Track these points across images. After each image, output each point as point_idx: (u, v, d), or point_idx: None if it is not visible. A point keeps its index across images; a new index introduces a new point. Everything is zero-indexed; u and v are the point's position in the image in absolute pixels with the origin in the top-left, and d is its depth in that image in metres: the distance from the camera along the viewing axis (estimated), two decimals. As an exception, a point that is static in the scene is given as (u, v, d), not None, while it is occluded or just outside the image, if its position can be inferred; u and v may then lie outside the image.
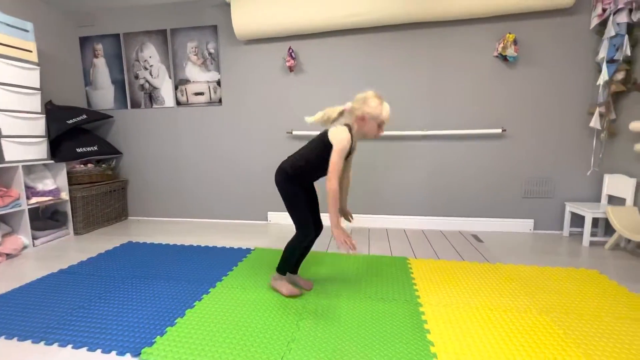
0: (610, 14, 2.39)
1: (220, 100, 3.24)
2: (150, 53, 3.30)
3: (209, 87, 3.24)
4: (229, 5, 2.98)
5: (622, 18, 2.34)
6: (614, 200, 2.55)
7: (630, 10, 2.32)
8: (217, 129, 3.29)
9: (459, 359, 1.24)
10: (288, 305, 1.66)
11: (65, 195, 2.90)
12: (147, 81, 3.35)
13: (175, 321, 1.52)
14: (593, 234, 2.59)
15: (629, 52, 2.35)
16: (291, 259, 1.75)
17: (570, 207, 2.67)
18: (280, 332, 1.43)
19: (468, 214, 2.93)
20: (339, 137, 1.53)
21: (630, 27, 2.37)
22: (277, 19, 2.82)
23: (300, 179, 1.71)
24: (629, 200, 2.37)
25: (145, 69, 3.33)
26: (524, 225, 2.84)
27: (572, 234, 2.72)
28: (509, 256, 2.30)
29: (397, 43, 2.85)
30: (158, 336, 1.41)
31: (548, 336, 1.37)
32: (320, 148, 1.61)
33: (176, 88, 3.31)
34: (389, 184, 3.02)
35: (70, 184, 2.97)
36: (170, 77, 3.30)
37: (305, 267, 2.14)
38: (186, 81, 3.28)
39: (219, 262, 2.26)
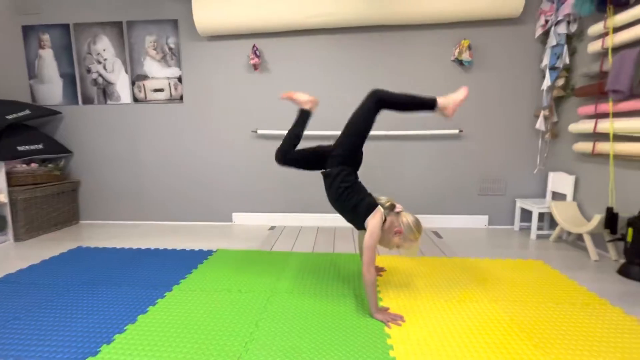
0: (552, 25, 2.60)
1: (181, 98, 3.12)
2: (104, 46, 3.10)
3: (170, 84, 3.11)
4: (190, -1, 2.89)
5: (562, 29, 2.55)
6: (557, 196, 2.77)
7: (569, 22, 2.54)
8: (178, 127, 3.16)
9: (414, 348, 1.28)
10: (249, 306, 1.62)
11: (3, 198, 2.64)
12: (100, 75, 3.15)
13: (125, 328, 1.43)
14: (540, 228, 2.79)
15: (567, 61, 2.56)
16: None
17: (520, 203, 2.86)
18: (239, 332, 1.39)
19: (429, 212, 3.04)
20: (374, 230, 1.50)
21: (569, 38, 2.60)
22: (240, 15, 2.77)
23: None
24: (569, 196, 2.58)
25: (99, 62, 3.13)
26: (480, 221, 3.00)
27: (522, 228, 2.92)
28: (466, 250, 2.42)
29: (361, 45, 2.90)
30: (104, 344, 1.31)
31: (496, 323, 1.46)
32: (353, 203, 1.64)
33: (133, 84, 3.14)
34: (354, 183, 3.06)
35: (10, 185, 2.71)
36: (126, 72, 3.13)
37: (271, 266, 2.11)
38: (144, 77, 3.12)
39: (177, 265, 2.17)
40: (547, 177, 2.83)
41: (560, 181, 2.69)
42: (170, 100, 3.14)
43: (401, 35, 2.86)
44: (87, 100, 3.20)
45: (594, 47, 2.28)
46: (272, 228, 3.04)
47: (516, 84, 2.84)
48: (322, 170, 1.75)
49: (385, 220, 1.56)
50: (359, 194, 1.64)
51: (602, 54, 2.23)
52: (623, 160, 2.15)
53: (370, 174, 3.03)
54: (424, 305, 1.62)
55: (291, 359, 1.23)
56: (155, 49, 3.08)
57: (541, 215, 2.80)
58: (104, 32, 3.08)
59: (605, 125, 2.16)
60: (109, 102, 3.18)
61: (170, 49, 3.07)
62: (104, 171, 3.27)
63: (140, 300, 1.68)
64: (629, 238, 1.91)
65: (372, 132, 2.93)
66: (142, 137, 3.20)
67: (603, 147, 2.21)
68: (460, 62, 2.82)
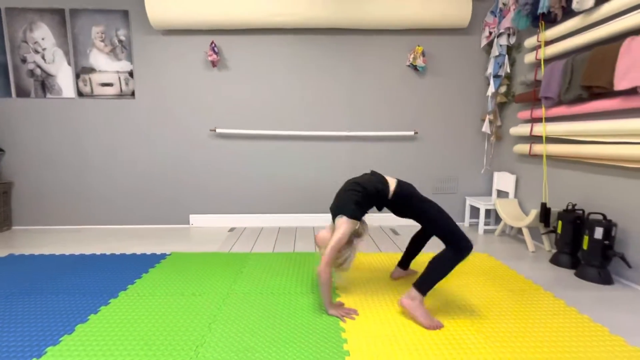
0: (495, 37, 2.83)
1: (133, 93, 2.94)
2: (43, 34, 2.84)
3: (119, 78, 2.92)
4: (142, -11, 2.74)
5: (503, 41, 2.78)
6: (501, 194, 3.00)
7: (509, 35, 2.78)
8: (130, 125, 2.97)
9: (367, 340, 1.31)
10: (203, 309, 1.56)
11: None
12: (38, 66, 2.87)
13: (60, 339, 1.30)
14: (487, 224, 3.00)
15: (508, 69, 2.80)
16: (442, 278, 1.47)
17: (469, 201, 3.06)
18: (190, 337, 1.34)
19: (386, 210, 3.14)
20: (341, 229, 1.50)
21: (510, 49, 2.84)
22: (198, 10, 2.68)
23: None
24: (511, 194, 2.81)
25: (37, 52, 2.86)
26: (434, 218, 3.16)
27: (472, 224, 3.12)
28: (420, 246, 2.53)
29: (322, 46, 2.94)
30: (34, 359, 1.19)
31: (445, 312, 1.54)
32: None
33: (78, 77, 2.90)
34: (313, 183, 3.09)
35: None
36: (69, 64, 2.88)
37: (229, 267, 2.05)
38: (91, 70, 2.90)
39: (125, 270, 2.03)
40: (493, 176, 3.06)
41: (504, 180, 2.92)
42: (121, 95, 2.94)
43: (361, 39, 2.94)
44: (22, 93, 2.90)
45: (530, 58, 2.51)
46: (232, 230, 2.96)
47: (465, 89, 3.04)
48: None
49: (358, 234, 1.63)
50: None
51: (536, 65, 2.47)
52: (555, 160, 2.39)
53: (330, 172, 3.09)
54: (378, 298, 1.67)
55: (244, 359, 1.20)
56: (103, 41, 2.87)
57: (488, 212, 3.02)
58: (42, 19, 2.82)
59: (539, 129, 2.39)
60: (48, 95, 2.91)
61: (120, 41, 2.88)
62: (42, 171, 2.98)
63: (79, 308, 1.55)
64: (559, 230, 2.12)
65: (330, 133, 3.00)
66: (88, 134, 2.96)
67: (538, 148, 2.43)
68: (415, 67, 2.96)
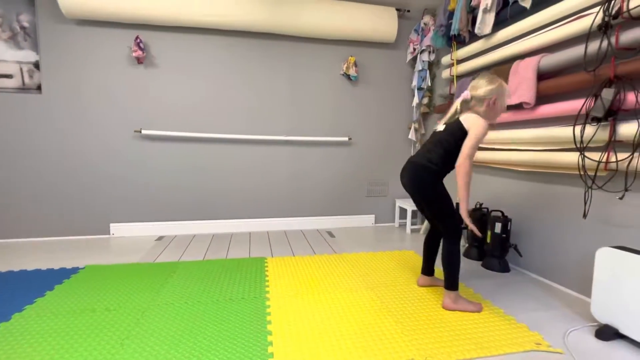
0: (418, 53, 3.12)
1: (39, 87, 2.59)
2: None
3: (21, 69, 2.55)
4: (51, -27, 2.45)
5: (425, 57, 3.08)
6: (426, 196, 3.28)
7: (430, 52, 3.08)
8: (34, 123, 2.61)
9: (293, 341, 1.33)
10: (116, 325, 1.42)
11: None
12: None
13: None
14: (414, 223, 3.26)
15: (429, 83, 3.10)
16: (458, 268, 1.60)
17: (398, 203, 3.29)
18: (96, 357, 1.21)
19: (324, 213, 3.23)
20: (478, 122, 1.50)
21: (430, 64, 3.14)
22: (118, 1, 2.48)
23: (443, 173, 1.60)
24: (434, 195, 3.10)
25: None
26: (367, 219, 3.33)
27: (401, 224, 3.36)
28: (354, 246, 2.65)
29: (259, 50, 2.93)
30: None
31: (369, 307, 1.63)
32: (459, 136, 1.53)
33: (-36, 65, 2.47)
34: (251, 188, 3.04)
35: None
36: (-47, 50, 2.44)
37: (152, 278, 1.90)
38: (-18, 58, 2.49)
39: (23, 289, 1.76)
40: (419, 180, 3.34)
41: (427, 183, 3.20)
42: (23, 89, 2.57)
43: (297, 46, 3.00)
44: None
45: (446, 73, 2.81)
46: (159, 238, 2.76)
47: (393, 99, 3.29)
48: None
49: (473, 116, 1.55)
50: (441, 141, 1.60)
51: (451, 80, 2.77)
52: (466, 165, 2.70)
53: (267, 176, 3.07)
54: (309, 299, 1.70)
55: (160, 373, 1.13)
56: (0, 26, 2.49)
57: (414, 213, 3.28)
58: None
59: (454, 137, 2.68)
60: None
61: (22, 27, 2.53)
62: None
63: (-45, 338, 1.30)
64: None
65: (265, 137, 3.00)
66: (-23, 133, 2.53)
67: (453, 154, 2.73)
68: (348, 77, 3.11)
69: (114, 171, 2.76)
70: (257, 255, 2.40)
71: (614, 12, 1.48)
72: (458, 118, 1.59)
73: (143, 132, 2.72)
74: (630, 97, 1.44)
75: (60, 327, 1.40)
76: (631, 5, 1.40)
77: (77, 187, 2.71)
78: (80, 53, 2.62)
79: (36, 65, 2.57)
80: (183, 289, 1.80)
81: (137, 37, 2.63)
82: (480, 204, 2.39)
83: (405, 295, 1.78)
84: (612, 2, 1.49)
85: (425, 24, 3.07)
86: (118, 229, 2.80)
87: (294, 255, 2.41)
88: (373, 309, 1.61)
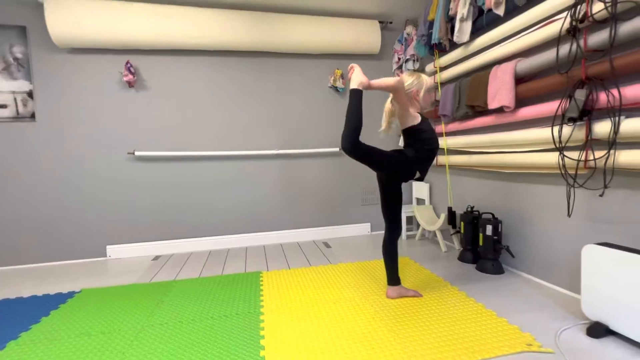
0: (403, 62, 3.19)
1: (33, 115, 2.65)
2: None
3: (15, 99, 2.62)
4: (42, 5, 2.53)
5: (410, 66, 3.15)
6: (420, 201, 3.31)
7: (414, 61, 3.15)
8: (29, 151, 2.65)
9: (286, 356, 1.33)
10: (110, 347, 1.43)
11: None
12: None
13: None
14: (410, 229, 3.27)
15: (416, 91, 3.16)
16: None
17: (393, 210, 3.31)
18: (91, 380, 1.22)
19: (319, 224, 3.25)
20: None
21: (416, 73, 3.21)
22: (108, 29, 2.55)
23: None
24: (427, 200, 3.12)
25: None
26: (364, 228, 3.35)
27: (397, 231, 3.36)
28: (349, 256, 2.66)
29: (245, 68, 3.00)
30: None
31: (362, 317, 1.63)
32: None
33: (-40, 98, 2.53)
34: (246, 203, 3.07)
35: None
36: (-52, 84, 2.51)
37: (147, 299, 1.91)
38: (-23, 90, 2.55)
39: (20, 316, 1.77)
40: (412, 185, 3.37)
41: (420, 189, 3.23)
42: (18, 118, 2.63)
43: (284, 61, 3.08)
44: None
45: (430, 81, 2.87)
46: (156, 258, 2.77)
47: (382, 108, 3.33)
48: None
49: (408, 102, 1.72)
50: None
51: (435, 87, 2.83)
52: (456, 169, 2.73)
53: (261, 191, 3.10)
54: (303, 312, 1.71)
55: (152, 394, 1.13)
56: (-6, 58, 2.57)
57: (410, 219, 3.29)
58: None
59: (441, 142, 2.72)
60: None
61: (16, 59, 2.60)
62: None
63: (-50, 369, 1.31)
64: (462, 230, 2.41)
65: (258, 152, 3.04)
66: (-26, 163, 2.57)
67: (442, 159, 2.77)
68: (335, 89, 3.18)
69: (109, 193, 2.79)
70: (252, 269, 2.41)
71: (580, 16, 1.54)
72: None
73: (136, 153, 2.77)
74: (602, 97, 1.49)
75: (55, 352, 1.41)
76: (594, 10, 1.46)
77: (73, 211, 2.74)
78: (72, 80, 2.69)
79: (30, 94, 2.64)
80: (177, 308, 1.81)
81: (127, 62, 2.70)
82: (472, 207, 2.41)
83: (397, 302, 1.78)
84: (579, 7, 1.55)
85: (408, 34, 3.15)
86: (115, 251, 2.81)
87: (290, 267, 2.42)
88: (366, 319, 1.62)
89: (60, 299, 1.99)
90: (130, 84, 2.74)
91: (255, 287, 2.07)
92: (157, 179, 2.87)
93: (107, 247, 2.80)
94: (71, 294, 2.05)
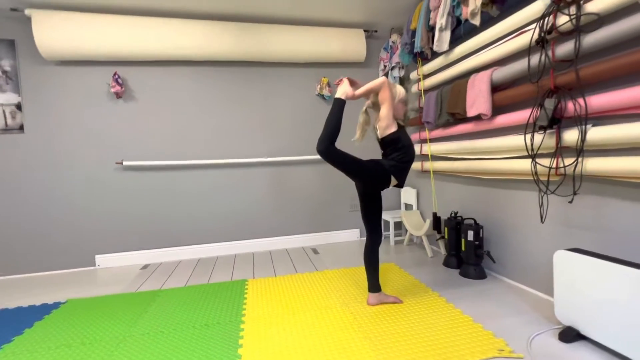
0: (388, 70, 3.24)
1: (21, 127, 2.68)
2: None
3: (4, 111, 2.65)
4: (30, 19, 2.57)
5: (396, 73, 3.19)
6: (408, 207, 3.34)
7: (399, 68, 3.20)
8: (18, 162, 2.68)
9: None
10: (89, 358, 1.45)
11: None
12: None
13: None
14: (398, 235, 3.30)
15: (402, 98, 3.20)
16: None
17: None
18: (67, 392, 1.23)
19: (308, 231, 3.27)
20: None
21: (401, 80, 3.26)
22: (96, 42, 2.59)
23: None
24: (414, 206, 3.15)
25: None
26: (352, 234, 3.37)
27: (385, 236, 3.38)
28: (336, 263, 2.68)
29: (233, 77, 3.05)
30: None
31: (341, 324, 1.65)
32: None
33: (-52, 111, 2.56)
34: (235, 210, 3.09)
35: None
36: (-63, 97, 2.54)
37: (131, 309, 1.93)
38: (-34, 103, 2.59)
39: (3, 327, 1.79)
40: (400, 191, 3.40)
41: (408, 194, 3.26)
42: (6, 130, 2.66)
43: (272, 70, 3.12)
44: None
45: (414, 88, 2.92)
46: (144, 267, 2.79)
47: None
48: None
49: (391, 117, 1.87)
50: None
51: (419, 94, 2.88)
52: (441, 174, 2.77)
53: (250, 198, 3.12)
54: (284, 320, 1.73)
55: (126, 405, 1.15)
56: (-17, 71, 2.60)
57: (398, 224, 3.32)
58: None
59: (426, 148, 2.76)
60: None
61: (4, 72, 2.64)
62: None
63: None
64: (446, 235, 2.43)
65: (247, 160, 3.07)
66: (-38, 175, 2.59)
67: (427, 165, 2.80)
68: (322, 97, 3.22)
69: (97, 203, 2.81)
70: (239, 277, 2.43)
71: (548, 28, 1.58)
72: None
73: (125, 163, 2.80)
74: (570, 106, 1.52)
75: (34, 364, 1.43)
76: (559, 23, 1.50)
77: (62, 221, 2.76)
78: (60, 92, 2.73)
79: (18, 106, 2.67)
80: (161, 317, 1.82)
81: (115, 73, 2.74)
82: (455, 213, 2.44)
83: (377, 309, 1.80)
84: (546, 19, 1.60)
85: (393, 42, 3.20)
86: (103, 260, 2.83)
87: (276, 275, 2.44)
88: (345, 326, 1.64)
89: (45, 310, 2.01)
90: (118, 95, 2.78)
91: (239, 295, 2.08)
92: (146, 188, 2.90)
93: (96, 256, 2.82)
94: (56, 305, 2.07)
